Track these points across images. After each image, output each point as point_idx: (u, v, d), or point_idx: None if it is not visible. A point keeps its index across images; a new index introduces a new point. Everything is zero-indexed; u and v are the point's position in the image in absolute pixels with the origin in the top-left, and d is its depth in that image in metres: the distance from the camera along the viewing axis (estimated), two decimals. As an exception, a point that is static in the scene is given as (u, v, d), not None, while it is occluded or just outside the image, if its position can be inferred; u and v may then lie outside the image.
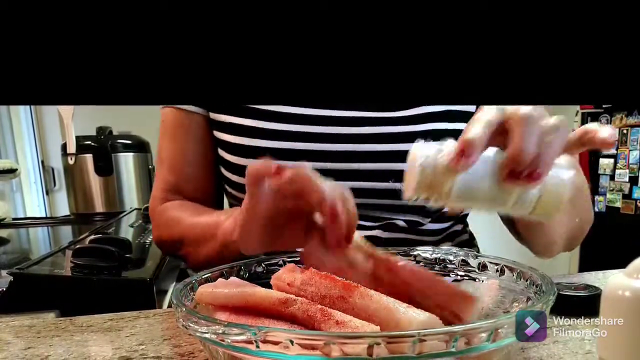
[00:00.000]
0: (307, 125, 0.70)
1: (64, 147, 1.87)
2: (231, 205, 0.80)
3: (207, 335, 0.34)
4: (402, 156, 0.66)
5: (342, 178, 0.68)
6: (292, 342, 0.31)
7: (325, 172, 0.67)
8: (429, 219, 0.73)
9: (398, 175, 0.68)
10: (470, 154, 0.38)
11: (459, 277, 0.52)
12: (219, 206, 0.83)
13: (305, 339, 0.31)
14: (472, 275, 0.51)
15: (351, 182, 0.69)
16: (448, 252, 0.53)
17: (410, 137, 0.67)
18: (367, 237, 0.69)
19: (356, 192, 0.69)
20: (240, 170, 0.72)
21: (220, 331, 0.33)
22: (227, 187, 0.77)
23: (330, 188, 0.47)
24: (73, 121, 1.81)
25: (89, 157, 1.87)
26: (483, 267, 0.50)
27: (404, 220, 0.72)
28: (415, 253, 0.54)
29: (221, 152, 0.75)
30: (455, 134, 0.67)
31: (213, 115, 0.75)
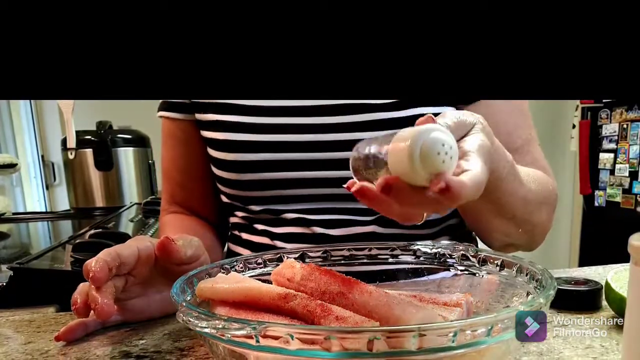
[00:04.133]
0: (289, 117, 0.70)
1: (64, 141, 1.87)
2: (227, 205, 0.80)
3: (207, 330, 0.34)
4: None
5: (327, 167, 0.69)
6: (292, 336, 0.31)
7: (310, 162, 0.70)
8: None
9: None
10: None
11: (458, 272, 0.52)
12: (215, 211, 0.84)
13: (306, 333, 0.31)
14: (472, 270, 0.51)
15: (336, 172, 0.69)
16: (448, 246, 0.53)
17: (395, 124, 0.67)
18: (365, 234, 0.70)
19: (341, 182, 0.70)
20: (227, 165, 0.73)
21: (220, 326, 0.33)
22: (219, 185, 0.78)
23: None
24: (73, 116, 1.81)
25: (89, 152, 1.87)
26: (483, 262, 0.50)
27: None
28: (415, 248, 0.54)
29: (210, 151, 0.75)
30: None
31: (198, 116, 0.76)
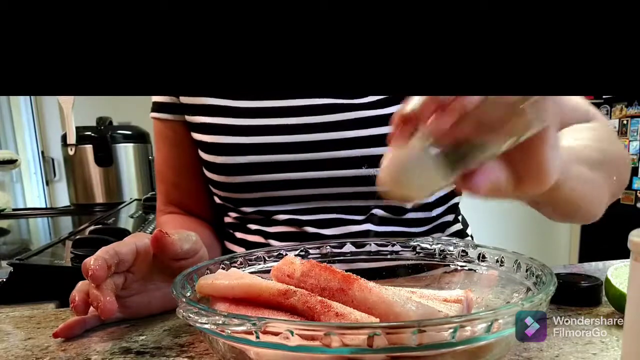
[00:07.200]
0: (277, 118, 0.70)
1: (64, 137, 1.87)
2: (220, 206, 0.81)
3: (207, 326, 0.34)
4: (373, 141, 0.69)
5: (316, 168, 0.70)
6: (292, 332, 0.31)
7: (299, 163, 0.70)
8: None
9: (371, 161, 0.69)
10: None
11: (458, 268, 0.52)
12: (211, 210, 0.84)
13: (306, 329, 0.31)
14: (472, 265, 0.51)
15: (325, 172, 0.69)
16: (448, 242, 0.53)
17: (380, 121, 0.68)
18: (359, 233, 0.70)
19: (331, 181, 0.72)
20: (217, 168, 0.73)
21: (221, 322, 0.33)
22: (211, 187, 0.78)
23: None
24: (73, 112, 1.81)
25: (89, 148, 1.87)
26: (482, 258, 0.50)
27: (386, 208, 0.72)
28: (415, 244, 0.54)
29: (200, 153, 0.76)
30: None
31: (188, 118, 0.76)
